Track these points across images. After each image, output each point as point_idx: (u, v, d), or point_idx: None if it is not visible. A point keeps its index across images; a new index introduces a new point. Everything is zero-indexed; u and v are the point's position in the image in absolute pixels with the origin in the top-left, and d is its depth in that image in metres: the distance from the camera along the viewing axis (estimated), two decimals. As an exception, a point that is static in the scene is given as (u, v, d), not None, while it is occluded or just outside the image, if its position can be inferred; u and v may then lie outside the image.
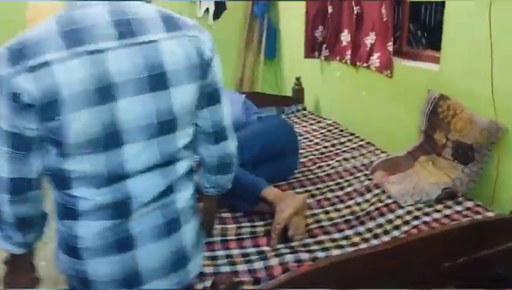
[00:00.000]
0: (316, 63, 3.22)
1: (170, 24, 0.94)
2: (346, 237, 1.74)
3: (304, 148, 2.64)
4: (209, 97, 1.03)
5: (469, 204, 1.87)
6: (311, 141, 2.72)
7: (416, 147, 2.22)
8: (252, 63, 3.93)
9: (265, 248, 1.68)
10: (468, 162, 1.93)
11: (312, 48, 3.12)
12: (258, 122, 2.34)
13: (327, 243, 1.70)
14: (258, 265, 1.57)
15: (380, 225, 1.81)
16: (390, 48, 2.39)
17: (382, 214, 1.88)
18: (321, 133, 2.82)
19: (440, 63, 2.13)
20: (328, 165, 2.37)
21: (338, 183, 2.19)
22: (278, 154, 2.18)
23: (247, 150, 2.03)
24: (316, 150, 2.59)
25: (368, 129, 2.72)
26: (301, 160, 2.46)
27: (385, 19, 2.39)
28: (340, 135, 2.77)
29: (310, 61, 3.21)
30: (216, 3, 3.69)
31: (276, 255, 1.61)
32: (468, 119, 1.93)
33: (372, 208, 1.93)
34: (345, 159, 2.42)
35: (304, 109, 3.27)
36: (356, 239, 1.72)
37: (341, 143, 2.64)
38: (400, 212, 1.87)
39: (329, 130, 2.84)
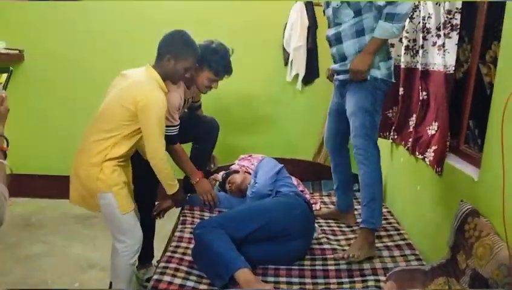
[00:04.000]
0: (388, 143, 2.99)
1: None
2: None
3: (333, 234, 2.45)
4: None
5: None
6: (346, 228, 2.50)
7: (440, 264, 1.87)
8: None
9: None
10: (482, 299, 1.56)
11: (385, 128, 2.91)
12: (269, 198, 2.26)
13: None
14: None
15: None
16: (447, 143, 2.10)
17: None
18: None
19: (481, 170, 1.79)
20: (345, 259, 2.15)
21: (340, 283, 1.97)
22: (281, 237, 2.07)
23: (246, 225, 2.02)
24: (347, 239, 2.37)
25: (415, 227, 2.40)
26: (324, 246, 2.29)
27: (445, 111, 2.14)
28: (383, 228, 2.49)
29: (385, 141, 3.00)
30: (308, 70, 3.71)
31: None
32: (490, 247, 1.57)
33: (353, 321, 1.68)
34: (369, 258, 2.16)
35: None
36: None
37: (378, 237, 2.36)
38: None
39: (376, 220, 2.57)
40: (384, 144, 2.95)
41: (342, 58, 2.17)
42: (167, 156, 2.27)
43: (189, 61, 2.18)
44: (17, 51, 3.62)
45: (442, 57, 2.04)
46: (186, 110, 2.71)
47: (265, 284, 1.79)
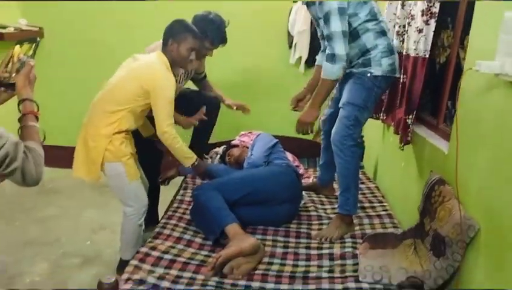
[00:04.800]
0: (381, 125, 3.17)
1: None
2: (276, 290, 1.78)
3: (321, 203, 2.67)
4: None
5: (429, 301, 1.71)
6: (334, 199, 2.71)
7: (410, 229, 2.08)
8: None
9: (199, 276, 1.83)
10: (440, 255, 1.76)
11: (376, 109, 3.08)
12: (262, 167, 2.47)
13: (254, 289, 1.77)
14: (180, 287, 1.74)
15: (319, 290, 1.79)
16: (409, 121, 2.29)
17: (331, 282, 1.84)
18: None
19: (449, 144, 1.98)
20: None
21: (320, 243, 2.19)
22: (270, 201, 2.29)
23: (239, 189, 2.24)
24: (333, 208, 2.59)
25: (399, 200, 2.60)
26: (310, 213, 2.51)
27: (413, 90, 2.31)
28: (368, 200, 2.70)
29: (378, 122, 3.17)
30: (311, 53, 3.86)
31: (202, 285, 1.76)
32: (449, 210, 1.77)
33: (328, 274, 1.91)
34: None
35: (361, 167, 3.23)
36: (284, 295, 1.75)
37: (362, 208, 2.57)
38: (350, 285, 1.81)
39: (363, 193, 2.78)
40: (377, 125, 3.13)
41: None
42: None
43: (189, 41, 2.33)
44: (37, 28, 3.86)
45: (420, 43, 2.21)
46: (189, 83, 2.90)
47: (251, 237, 2.01)
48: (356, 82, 2.25)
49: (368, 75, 2.22)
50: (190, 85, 3.06)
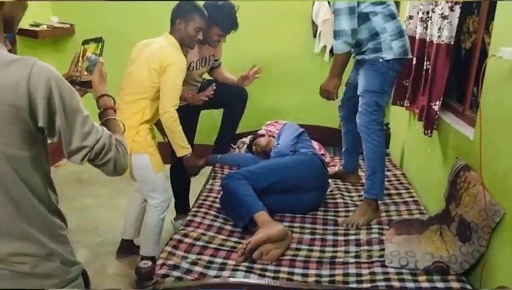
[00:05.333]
0: (407, 112, 3.17)
1: None
2: (304, 275, 1.85)
3: (347, 191, 2.71)
4: None
5: (455, 285, 1.75)
6: (360, 186, 2.75)
7: (436, 215, 2.10)
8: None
9: (230, 261, 1.92)
10: (466, 241, 1.79)
11: (400, 96, 3.09)
12: (288, 156, 2.53)
13: (283, 274, 1.85)
14: (212, 272, 1.83)
15: (346, 275, 1.85)
16: (436, 108, 2.30)
17: (358, 267, 1.90)
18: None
19: (474, 130, 1.98)
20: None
21: (347, 230, 2.24)
22: (296, 189, 2.36)
23: (266, 178, 2.31)
24: (359, 196, 2.63)
25: (425, 187, 2.62)
26: (337, 200, 2.56)
27: (438, 77, 2.31)
28: (394, 187, 2.72)
29: (404, 110, 3.18)
30: (335, 41, 3.88)
31: (233, 270, 1.84)
32: (474, 196, 1.79)
33: (354, 259, 1.96)
34: (376, 211, 2.41)
35: (387, 155, 3.24)
36: (311, 279, 1.81)
37: (389, 195, 2.60)
38: (376, 270, 1.86)
39: (389, 180, 2.80)
40: (403, 112, 3.14)
41: (357, 41, 2.33)
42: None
43: (197, 21, 2.37)
44: (68, 25, 4.01)
45: (444, 29, 2.20)
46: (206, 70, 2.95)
47: (279, 224, 2.08)
48: (370, 69, 2.31)
49: (381, 60, 2.28)
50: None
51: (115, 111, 1.35)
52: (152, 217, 2.47)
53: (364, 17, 2.25)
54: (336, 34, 2.24)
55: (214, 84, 2.76)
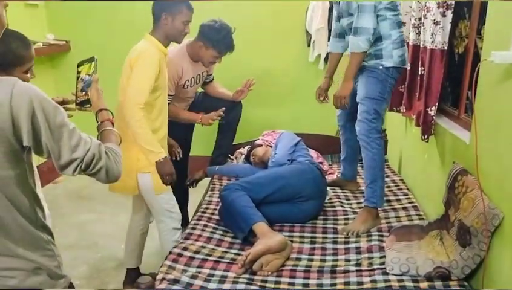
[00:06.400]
0: (403, 118, 3.18)
1: None
2: (304, 285, 1.84)
3: (346, 199, 2.71)
4: None
5: (457, 290, 1.74)
6: (358, 193, 2.75)
7: (435, 220, 2.10)
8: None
9: (230, 274, 1.90)
10: (466, 245, 1.78)
11: (396, 102, 3.10)
12: (286, 166, 2.53)
13: (283, 284, 1.84)
14: (212, 285, 1.82)
15: (347, 283, 1.84)
16: (432, 113, 2.30)
17: (359, 275, 1.89)
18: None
19: (470, 134, 1.99)
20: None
21: (347, 238, 2.24)
22: (295, 198, 2.35)
23: (264, 188, 2.31)
24: (358, 203, 2.62)
25: (423, 192, 2.61)
26: (336, 208, 2.55)
27: (432, 82, 2.32)
28: (393, 193, 2.72)
29: (400, 115, 3.19)
30: (330, 50, 3.90)
31: (233, 282, 1.83)
32: (472, 200, 1.78)
33: (355, 267, 1.95)
34: (376, 218, 2.41)
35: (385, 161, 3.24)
36: (312, 289, 1.80)
37: (388, 201, 2.60)
38: (378, 277, 1.85)
39: (388, 187, 2.80)
40: (399, 118, 3.15)
41: None
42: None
43: (184, 14, 2.18)
44: (64, 42, 4.03)
45: (437, 34, 2.22)
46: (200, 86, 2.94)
47: (278, 234, 2.07)
48: (369, 76, 2.32)
49: (380, 67, 2.28)
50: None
51: (112, 124, 1.39)
52: (166, 243, 2.29)
53: None
54: (357, 31, 2.19)
55: (224, 108, 2.75)
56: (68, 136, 1.11)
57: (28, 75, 1.49)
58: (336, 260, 2.03)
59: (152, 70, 2.07)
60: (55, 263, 1.21)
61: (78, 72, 1.52)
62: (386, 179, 2.80)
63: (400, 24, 2.30)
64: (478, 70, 1.73)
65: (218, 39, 2.61)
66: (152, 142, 2.09)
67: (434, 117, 2.34)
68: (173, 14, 2.16)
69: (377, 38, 2.27)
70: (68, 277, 1.26)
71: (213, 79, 3.06)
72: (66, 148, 1.11)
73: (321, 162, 3.19)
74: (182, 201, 3.01)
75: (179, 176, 2.72)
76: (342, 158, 2.85)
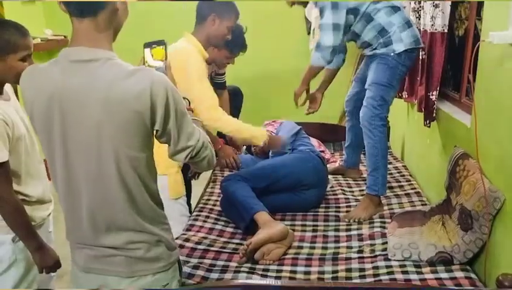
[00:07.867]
0: (405, 104, 3.15)
1: None
2: (306, 273, 1.83)
3: (348, 186, 2.70)
4: None
5: (459, 274, 1.73)
6: (361, 181, 2.73)
7: (437, 205, 2.09)
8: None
9: (232, 263, 1.90)
10: (467, 229, 1.77)
11: (400, 89, 3.06)
12: (287, 155, 2.51)
13: (285, 273, 1.83)
14: (214, 275, 1.82)
15: (349, 270, 1.83)
16: (434, 98, 2.28)
17: (361, 262, 1.88)
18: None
19: (471, 117, 1.96)
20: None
21: (348, 225, 2.23)
22: (296, 187, 2.34)
23: (265, 177, 2.30)
24: (360, 191, 2.61)
25: (426, 178, 2.60)
26: (338, 196, 2.54)
27: (433, 66, 2.29)
28: (395, 180, 2.70)
29: (403, 101, 3.16)
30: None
31: (235, 272, 1.83)
32: (474, 184, 1.77)
33: (357, 254, 1.94)
34: (378, 205, 2.40)
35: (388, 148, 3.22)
36: (313, 276, 1.80)
37: (390, 188, 2.58)
38: (380, 264, 1.84)
39: (390, 173, 2.78)
40: (401, 104, 3.12)
41: (366, 42, 2.33)
42: None
43: (232, 20, 2.14)
44: (62, 37, 4.02)
45: (437, 17, 2.19)
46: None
47: (279, 223, 2.06)
48: (380, 62, 2.28)
49: (392, 54, 2.24)
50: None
51: (192, 111, 1.47)
52: None
53: (367, 17, 2.23)
54: (317, 47, 2.27)
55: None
56: (187, 124, 1.21)
57: (26, 63, 1.50)
58: (338, 248, 2.02)
59: (202, 70, 2.11)
60: (170, 235, 1.33)
61: (150, 55, 1.35)
62: (388, 166, 2.78)
63: (397, 7, 2.25)
64: (477, 52, 1.70)
65: (231, 40, 2.47)
66: (247, 129, 2.22)
67: (435, 102, 2.31)
68: (222, 17, 2.13)
69: (382, 30, 2.24)
70: (178, 249, 1.39)
71: (224, 85, 2.95)
72: (184, 135, 1.21)
73: (322, 151, 3.17)
74: (186, 194, 3.00)
75: (183, 168, 2.73)
76: (346, 145, 2.83)
